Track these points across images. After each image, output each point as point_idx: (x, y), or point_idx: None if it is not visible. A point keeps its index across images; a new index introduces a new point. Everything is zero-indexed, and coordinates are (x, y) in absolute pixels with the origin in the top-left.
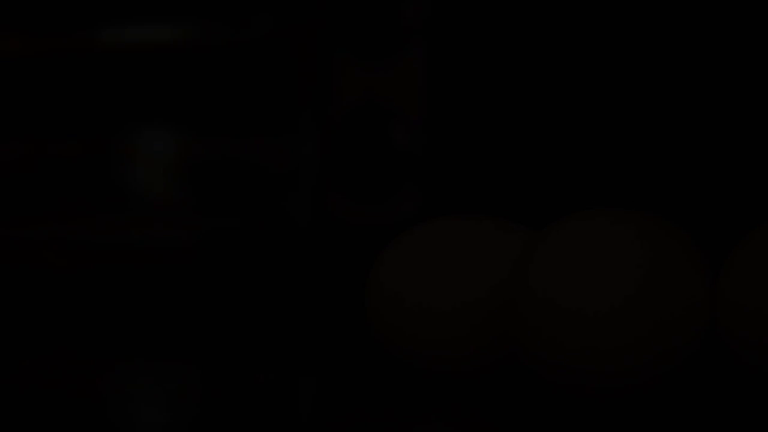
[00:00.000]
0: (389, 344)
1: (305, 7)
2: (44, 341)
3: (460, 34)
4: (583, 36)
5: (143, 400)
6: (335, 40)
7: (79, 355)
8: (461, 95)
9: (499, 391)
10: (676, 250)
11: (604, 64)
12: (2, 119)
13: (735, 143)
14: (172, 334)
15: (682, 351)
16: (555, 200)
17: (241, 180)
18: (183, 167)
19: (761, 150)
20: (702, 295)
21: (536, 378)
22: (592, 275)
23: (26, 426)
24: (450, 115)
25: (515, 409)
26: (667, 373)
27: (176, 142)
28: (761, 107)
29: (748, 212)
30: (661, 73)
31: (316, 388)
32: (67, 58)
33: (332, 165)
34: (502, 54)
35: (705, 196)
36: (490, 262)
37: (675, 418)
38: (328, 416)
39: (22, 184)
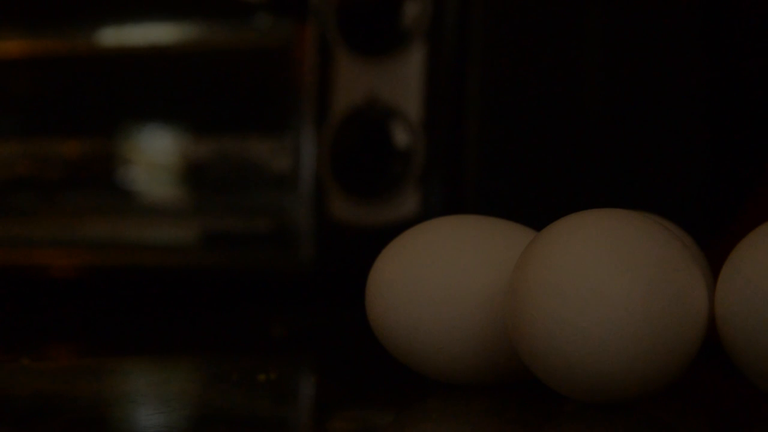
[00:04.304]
0: (390, 344)
1: (305, 6)
2: (44, 340)
3: (461, 34)
4: (582, 36)
5: (143, 399)
6: (335, 40)
7: (79, 355)
8: (461, 95)
9: (499, 391)
10: (676, 250)
11: (607, 63)
12: (3, 119)
13: (733, 144)
14: (172, 334)
15: (682, 351)
16: (557, 200)
17: (241, 180)
18: (183, 167)
19: (758, 151)
20: (702, 295)
21: (539, 380)
22: (591, 276)
23: (25, 425)
24: (450, 115)
25: (516, 408)
26: (667, 373)
27: (176, 142)
28: (757, 110)
29: (746, 212)
30: (658, 74)
31: (317, 388)
32: (67, 58)
33: (332, 165)
34: (503, 53)
35: (703, 196)
36: (491, 261)
37: (675, 418)
38: (328, 416)
39: (23, 184)
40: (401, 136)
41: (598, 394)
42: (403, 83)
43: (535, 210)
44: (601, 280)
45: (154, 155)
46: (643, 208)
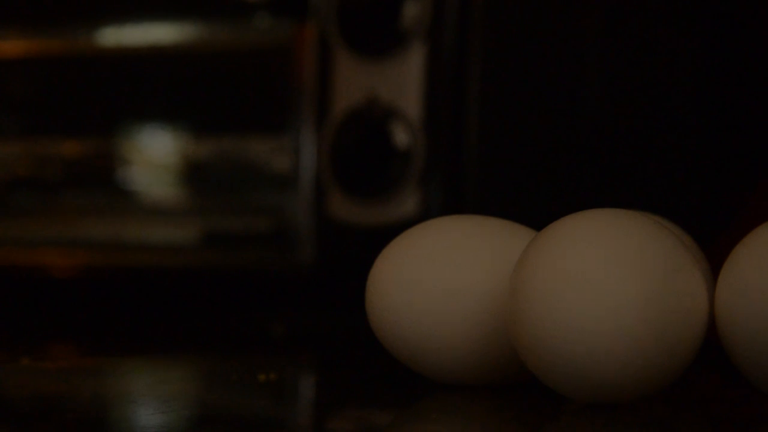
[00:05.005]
0: (390, 344)
1: (305, 6)
2: (44, 340)
3: (461, 34)
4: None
5: (143, 399)
6: (335, 40)
7: (79, 355)
8: (461, 95)
9: (500, 391)
10: (676, 250)
11: (611, 63)
12: (3, 119)
13: (734, 144)
14: (172, 334)
15: (682, 352)
16: (557, 200)
17: (241, 180)
18: (183, 167)
19: (758, 151)
20: (702, 295)
21: (539, 380)
22: (590, 276)
23: (25, 425)
24: (450, 115)
25: (516, 408)
26: (667, 373)
27: (176, 142)
28: (757, 110)
29: (746, 212)
30: (658, 74)
31: (317, 388)
32: (67, 58)
33: (332, 165)
34: (503, 53)
35: (703, 196)
36: (491, 261)
37: (675, 418)
38: (328, 416)
39: (23, 184)
40: (401, 136)
41: (598, 394)
42: (403, 83)
43: (535, 210)
44: (600, 280)
45: (154, 155)
46: (643, 208)
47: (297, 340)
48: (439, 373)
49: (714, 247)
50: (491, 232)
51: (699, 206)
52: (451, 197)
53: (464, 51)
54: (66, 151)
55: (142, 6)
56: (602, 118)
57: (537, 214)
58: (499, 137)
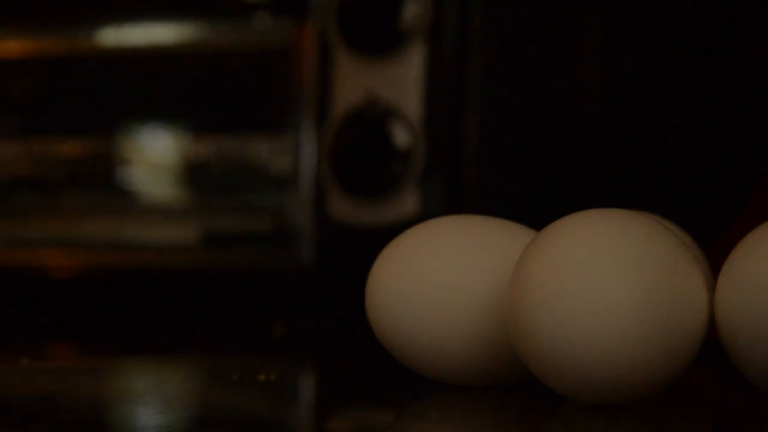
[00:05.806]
0: (390, 344)
1: (305, 6)
2: (44, 340)
3: (461, 34)
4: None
5: (143, 399)
6: (335, 40)
7: (79, 355)
8: (461, 95)
9: (500, 391)
10: (676, 250)
11: (610, 60)
12: (3, 119)
13: (734, 144)
14: (172, 334)
15: (682, 352)
16: (557, 200)
17: (241, 180)
18: (183, 167)
19: (758, 151)
20: (702, 295)
21: (539, 380)
22: (591, 276)
23: (25, 425)
24: (450, 115)
25: (516, 408)
26: (667, 373)
27: (176, 142)
28: (757, 110)
29: (746, 211)
30: (657, 74)
31: (317, 388)
32: (67, 58)
33: (332, 165)
34: (503, 53)
35: (703, 196)
36: (491, 262)
37: (675, 418)
38: (328, 416)
39: (23, 184)
40: (401, 136)
41: (598, 394)
42: (403, 83)
43: (535, 210)
44: (601, 280)
45: (154, 155)
46: (643, 208)
47: (297, 340)
48: (439, 373)
49: (714, 247)
50: (491, 232)
51: (699, 206)
52: (451, 197)
53: (464, 51)
54: (66, 151)
55: (142, 6)
56: (602, 117)
57: (537, 214)
58: (499, 137)
